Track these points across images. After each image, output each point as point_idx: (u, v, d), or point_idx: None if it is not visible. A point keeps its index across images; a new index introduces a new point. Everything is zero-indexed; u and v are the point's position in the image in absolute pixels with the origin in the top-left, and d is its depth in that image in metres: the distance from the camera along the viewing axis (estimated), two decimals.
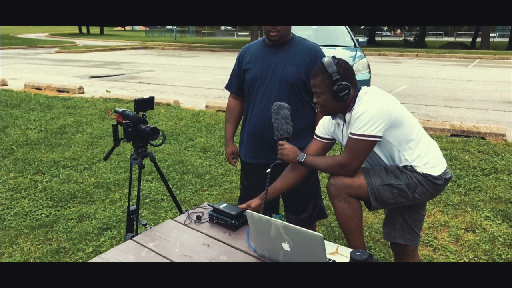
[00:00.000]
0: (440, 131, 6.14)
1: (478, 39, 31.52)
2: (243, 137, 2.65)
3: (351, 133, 2.09)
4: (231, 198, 4.00)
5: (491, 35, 35.30)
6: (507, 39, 36.10)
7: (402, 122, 2.14)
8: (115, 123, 2.52)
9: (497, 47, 30.17)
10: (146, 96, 2.55)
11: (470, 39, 37.70)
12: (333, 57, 2.14)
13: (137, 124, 2.50)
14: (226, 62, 18.55)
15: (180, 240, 2.08)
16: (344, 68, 2.11)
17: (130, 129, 2.50)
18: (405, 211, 2.34)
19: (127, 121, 2.49)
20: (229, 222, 2.15)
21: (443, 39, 48.50)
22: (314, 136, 2.38)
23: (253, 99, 2.51)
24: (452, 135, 6.05)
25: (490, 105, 8.91)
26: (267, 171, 2.20)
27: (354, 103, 2.15)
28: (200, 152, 5.40)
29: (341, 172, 2.13)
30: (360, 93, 2.17)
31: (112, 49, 26.71)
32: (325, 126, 2.34)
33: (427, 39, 40.05)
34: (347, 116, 2.18)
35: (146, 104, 2.53)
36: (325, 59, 2.10)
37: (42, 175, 4.59)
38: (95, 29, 57.51)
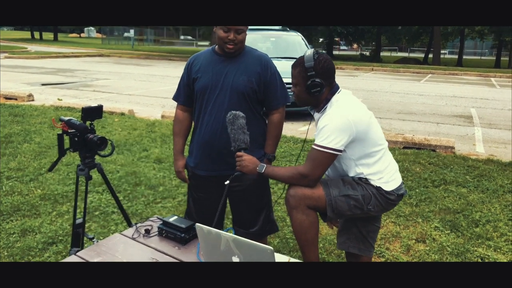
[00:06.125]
0: (393, 143, 6.29)
1: (430, 55, 32.91)
2: (193, 148, 2.56)
3: (314, 144, 2.11)
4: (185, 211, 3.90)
5: (442, 51, 36.93)
6: (456, 56, 37.85)
7: (365, 137, 2.14)
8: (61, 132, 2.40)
9: (448, 63, 31.62)
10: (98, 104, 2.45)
11: (423, 55, 39.31)
12: (317, 51, 2.13)
13: (83, 134, 2.39)
14: None
15: (126, 255, 1.99)
16: (322, 65, 2.11)
17: (76, 139, 2.39)
18: (359, 222, 2.37)
19: (73, 130, 2.37)
20: (179, 235, 2.09)
21: (397, 54, 50.34)
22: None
23: (204, 108, 2.42)
24: (404, 147, 6.21)
25: (441, 118, 9.24)
26: (226, 182, 2.14)
27: (325, 105, 2.16)
28: (154, 163, 5.27)
29: (302, 182, 2.13)
30: (333, 98, 2.17)
31: (66, 56, 25.96)
32: None
33: (382, 53, 41.41)
34: (316, 115, 2.20)
35: (94, 112, 2.43)
36: (308, 52, 2.10)
37: None
38: (48, 35, 55.70)
